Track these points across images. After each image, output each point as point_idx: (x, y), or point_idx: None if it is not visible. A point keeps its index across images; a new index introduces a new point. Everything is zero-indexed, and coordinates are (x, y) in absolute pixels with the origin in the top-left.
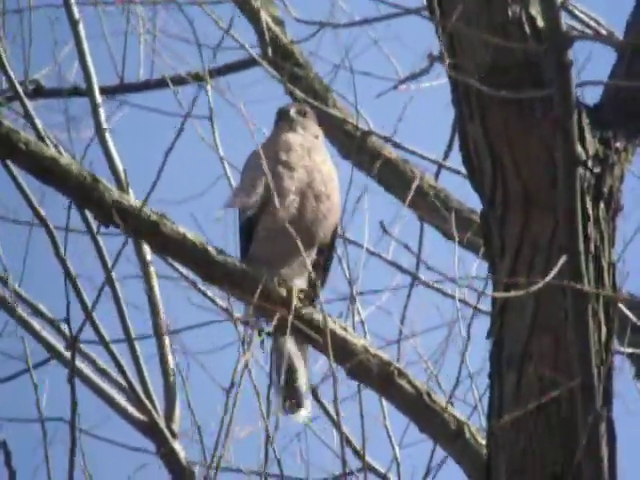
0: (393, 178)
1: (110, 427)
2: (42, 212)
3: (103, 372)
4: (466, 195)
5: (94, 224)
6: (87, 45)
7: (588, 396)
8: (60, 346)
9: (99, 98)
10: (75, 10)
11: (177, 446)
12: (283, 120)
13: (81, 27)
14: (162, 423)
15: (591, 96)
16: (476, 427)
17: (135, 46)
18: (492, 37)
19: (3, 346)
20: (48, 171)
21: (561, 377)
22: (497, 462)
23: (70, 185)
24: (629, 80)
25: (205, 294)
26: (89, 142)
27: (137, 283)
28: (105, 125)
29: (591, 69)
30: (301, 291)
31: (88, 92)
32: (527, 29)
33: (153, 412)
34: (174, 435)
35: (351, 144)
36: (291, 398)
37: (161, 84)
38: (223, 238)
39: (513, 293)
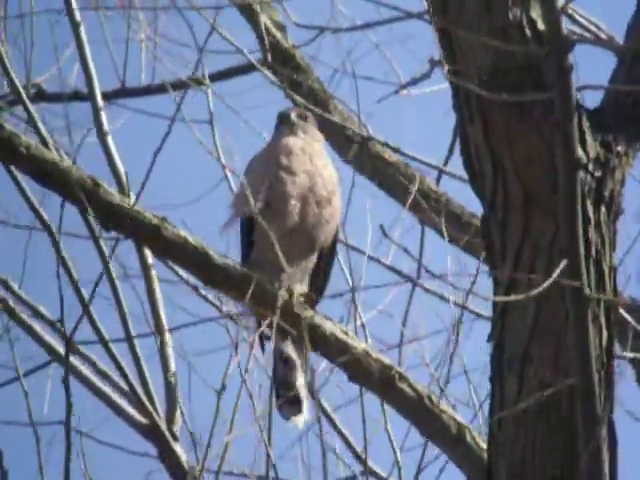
0: (394, 182)
1: (111, 429)
2: (43, 214)
3: (104, 374)
4: (467, 200)
5: (96, 227)
6: (88, 48)
7: (588, 400)
8: (61, 348)
9: (101, 101)
10: (76, 13)
11: (178, 449)
12: (284, 124)
13: (82, 30)
14: (163, 426)
15: (591, 100)
16: (477, 431)
17: (136, 51)
18: (493, 40)
19: (4, 348)
20: (49, 175)
21: (562, 380)
22: (498, 466)
23: (71, 189)
24: (630, 84)
25: (206, 298)
26: (88, 145)
27: (138, 284)
28: (107, 128)
29: (591, 73)
30: (302, 295)
31: (90, 95)
32: (528, 32)
33: (154, 414)
34: (175, 438)
35: (352, 148)
36: (289, 402)
37: (162, 89)
38: (224, 242)
39: (514, 297)
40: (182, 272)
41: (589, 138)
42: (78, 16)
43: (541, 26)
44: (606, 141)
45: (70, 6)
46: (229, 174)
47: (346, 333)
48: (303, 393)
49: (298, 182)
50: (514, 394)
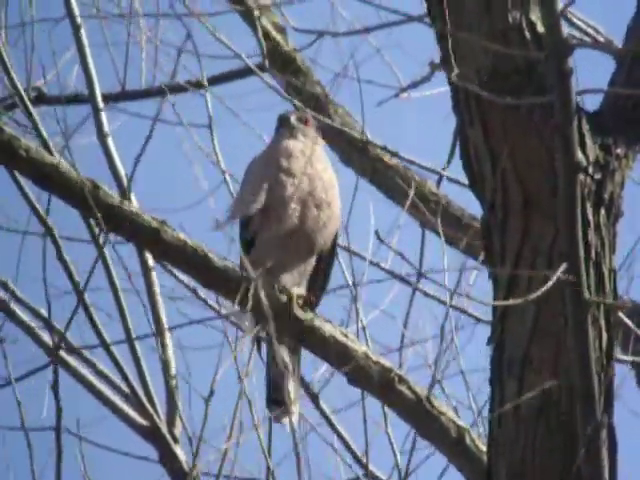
0: (394, 184)
1: (111, 431)
2: (44, 215)
3: (104, 376)
4: (466, 204)
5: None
6: (88, 50)
7: (588, 402)
8: (62, 350)
9: (101, 103)
10: (77, 14)
11: (179, 451)
12: (284, 127)
13: (83, 32)
14: (164, 428)
15: (591, 102)
16: (477, 433)
17: (136, 55)
18: (492, 43)
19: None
20: (49, 178)
21: (561, 383)
22: (498, 466)
23: (71, 192)
24: (629, 87)
25: (206, 301)
26: (88, 147)
27: (139, 284)
28: (107, 130)
29: (590, 76)
30: (300, 297)
31: (90, 96)
32: (527, 35)
33: (155, 417)
34: (176, 440)
35: (352, 151)
36: (279, 404)
37: (162, 92)
38: (223, 245)
39: (513, 301)
40: (182, 275)
41: (589, 141)
42: (79, 19)
43: (540, 29)
44: (606, 144)
45: (70, 9)
46: (228, 178)
47: (346, 335)
48: (292, 395)
49: (298, 185)
50: (514, 397)
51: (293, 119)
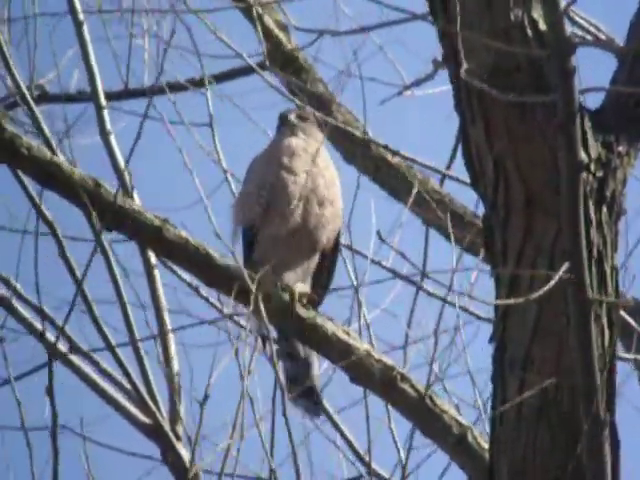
0: (396, 182)
1: (113, 429)
2: (47, 213)
3: (107, 374)
4: (469, 203)
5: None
6: (91, 47)
7: (590, 400)
8: (64, 348)
9: (103, 100)
10: (79, 11)
11: (181, 449)
12: (285, 125)
13: (85, 29)
14: (166, 426)
15: (593, 100)
16: (479, 431)
17: (139, 53)
18: (494, 41)
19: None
20: (51, 176)
21: (563, 381)
22: (499, 464)
23: (73, 190)
24: (631, 85)
25: (208, 300)
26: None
27: (139, 285)
28: (109, 128)
29: (592, 74)
30: (303, 295)
31: (92, 94)
32: (529, 32)
33: (157, 414)
34: (178, 438)
35: (355, 149)
36: (305, 395)
37: (164, 91)
38: (223, 245)
39: (514, 300)
40: (184, 274)
41: (591, 139)
42: (81, 16)
43: (542, 27)
44: (608, 141)
45: (73, 6)
46: (229, 176)
47: (348, 333)
48: (317, 383)
49: (300, 182)
50: (516, 395)
51: (292, 117)
